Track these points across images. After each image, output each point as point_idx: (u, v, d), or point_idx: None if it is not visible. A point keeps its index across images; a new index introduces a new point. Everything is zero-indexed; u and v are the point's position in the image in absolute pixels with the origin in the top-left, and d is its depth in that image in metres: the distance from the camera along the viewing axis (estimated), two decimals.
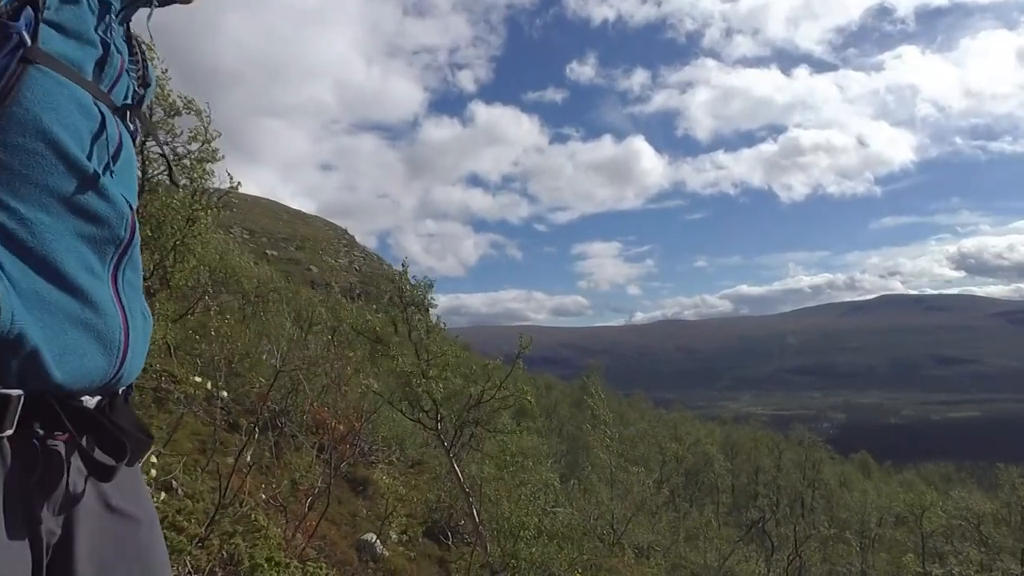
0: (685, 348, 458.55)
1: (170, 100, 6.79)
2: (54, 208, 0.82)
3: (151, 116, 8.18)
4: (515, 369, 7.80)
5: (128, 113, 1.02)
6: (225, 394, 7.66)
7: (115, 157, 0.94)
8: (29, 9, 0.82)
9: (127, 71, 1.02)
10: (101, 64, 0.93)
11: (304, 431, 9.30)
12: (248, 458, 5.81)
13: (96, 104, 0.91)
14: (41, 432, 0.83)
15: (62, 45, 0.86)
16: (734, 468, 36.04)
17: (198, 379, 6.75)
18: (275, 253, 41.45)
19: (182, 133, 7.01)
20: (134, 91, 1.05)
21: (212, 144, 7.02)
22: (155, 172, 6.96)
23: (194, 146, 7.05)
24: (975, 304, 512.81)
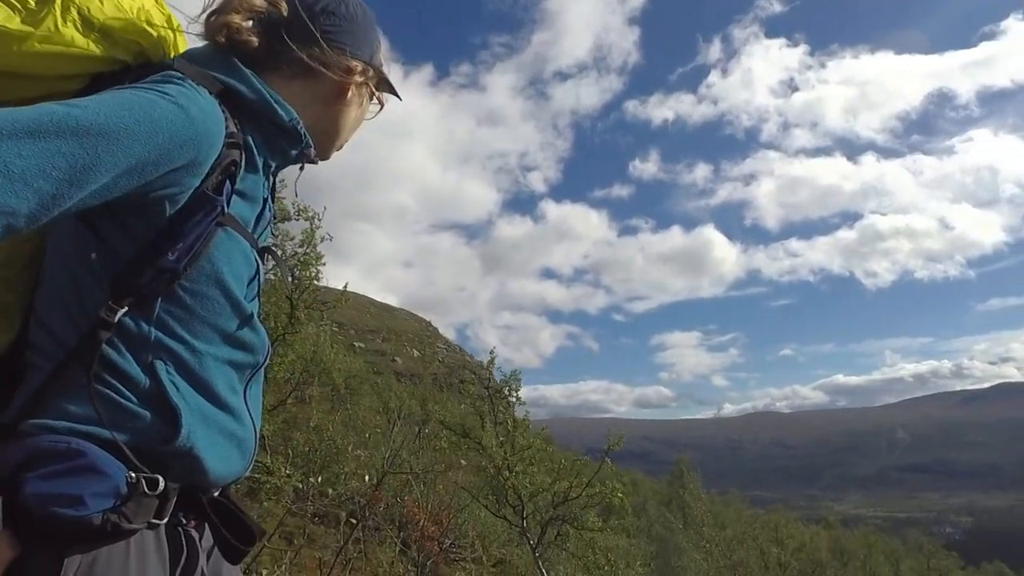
0: (780, 443, 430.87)
1: (283, 206, 7.29)
2: (216, 341, 1.01)
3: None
4: (603, 466, 7.51)
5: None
6: (331, 491, 7.77)
7: (259, 293, 1.12)
8: (228, 182, 1.00)
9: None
10: (258, 217, 1.10)
11: (388, 524, 9.19)
12: (344, 554, 5.76)
13: (252, 252, 1.07)
14: (183, 520, 0.99)
15: (240, 207, 1.04)
16: None
17: (288, 473, 6.88)
18: (362, 345, 42.76)
19: (294, 238, 7.49)
20: (271, 231, 1.22)
21: (318, 248, 7.45)
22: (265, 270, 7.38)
23: (301, 249, 7.52)
24: None
